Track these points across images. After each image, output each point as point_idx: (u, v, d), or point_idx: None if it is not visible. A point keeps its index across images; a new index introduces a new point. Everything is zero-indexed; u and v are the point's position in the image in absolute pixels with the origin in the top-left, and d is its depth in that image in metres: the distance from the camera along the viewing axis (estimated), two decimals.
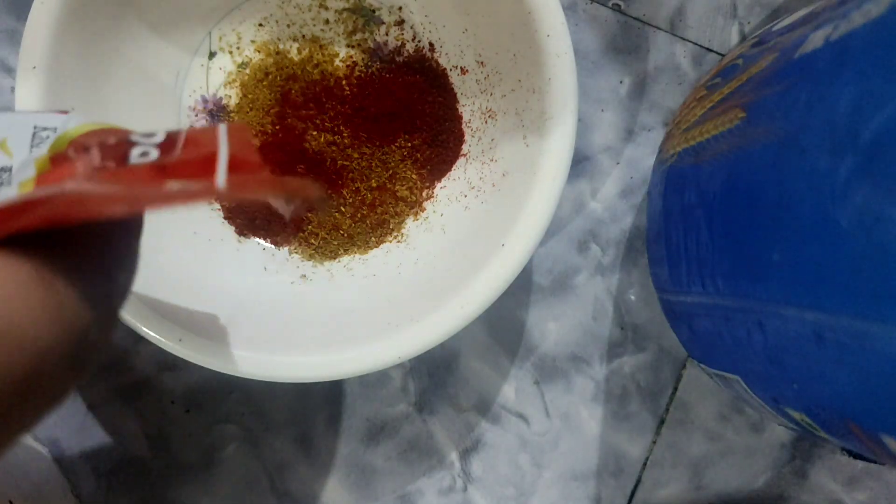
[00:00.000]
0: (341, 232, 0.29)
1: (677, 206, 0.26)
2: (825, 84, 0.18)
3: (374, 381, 0.31)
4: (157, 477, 0.30)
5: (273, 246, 0.29)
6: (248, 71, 0.29)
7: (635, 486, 0.31)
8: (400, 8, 0.29)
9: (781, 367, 0.20)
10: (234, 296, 0.27)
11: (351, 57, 0.29)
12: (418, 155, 0.29)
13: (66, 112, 0.15)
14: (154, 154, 0.13)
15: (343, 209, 0.29)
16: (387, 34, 0.29)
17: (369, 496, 0.31)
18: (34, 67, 0.24)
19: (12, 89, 0.29)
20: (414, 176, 0.29)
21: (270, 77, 0.29)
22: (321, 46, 0.29)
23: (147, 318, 0.24)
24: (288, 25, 0.29)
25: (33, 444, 0.30)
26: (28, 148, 0.14)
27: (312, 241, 0.29)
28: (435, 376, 0.31)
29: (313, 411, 0.31)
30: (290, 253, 0.29)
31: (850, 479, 0.31)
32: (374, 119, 0.29)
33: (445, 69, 0.29)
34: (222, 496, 0.30)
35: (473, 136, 0.29)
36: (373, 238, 0.29)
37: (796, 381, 0.20)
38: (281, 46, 0.29)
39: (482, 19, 0.27)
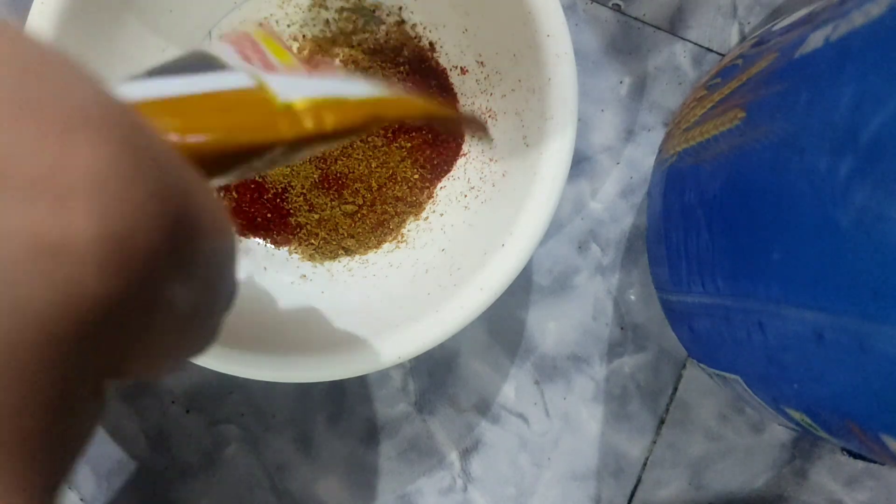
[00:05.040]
0: (341, 232, 0.29)
1: (677, 206, 0.26)
2: (825, 84, 0.18)
3: (374, 381, 0.31)
4: (157, 477, 0.30)
5: (273, 246, 0.29)
6: None
7: (635, 486, 0.31)
8: (400, 8, 0.29)
9: (781, 367, 0.20)
10: None
11: (351, 57, 0.29)
12: (418, 155, 0.29)
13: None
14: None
15: (343, 209, 0.29)
16: (387, 34, 0.29)
17: (369, 496, 0.31)
18: None
19: None
20: (414, 176, 0.29)
21: None
22: (321, 46, 0.29)
23: None
24: (288, 25, 0.29)
25: None
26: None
27: (312, 241, 0.29)
28: (435, 376, 0.31)
29: (313, 411, 0.31)
30: (290, 253, 0.29)
31: (850, 479, 0.31)
32: None
33: (445, 69, 0.29)
34: (222, 496, 0.30)
35: (474, 136, 0.29)
36: (373, 238, 0.29)
37: (796, 381, 0.20)
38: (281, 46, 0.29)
39: (482, 19, 0.27)
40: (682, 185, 0.26)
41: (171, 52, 0.28)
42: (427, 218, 0.29)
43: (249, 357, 0.24)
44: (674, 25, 0.32)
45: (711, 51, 0.32)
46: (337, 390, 0.31)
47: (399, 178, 0.29)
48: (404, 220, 0.29)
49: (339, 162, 0.29)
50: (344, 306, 0.27)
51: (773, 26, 0.26)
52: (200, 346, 0.12)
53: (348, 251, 0.29)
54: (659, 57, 0.32)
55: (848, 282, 0.17)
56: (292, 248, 0.29)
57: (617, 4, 0.32)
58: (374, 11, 0.29)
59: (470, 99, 0.29)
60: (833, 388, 0.18)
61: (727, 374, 0.24)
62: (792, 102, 0.19)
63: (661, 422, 0.31)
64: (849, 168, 0.16)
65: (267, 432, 0.30)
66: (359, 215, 0.29)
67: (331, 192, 0.29)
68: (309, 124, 0.13)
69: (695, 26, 0.32)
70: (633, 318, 0.31)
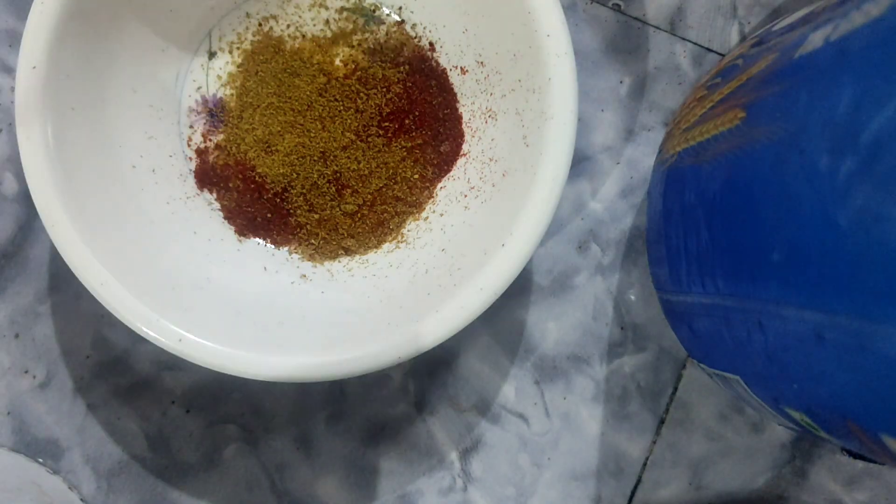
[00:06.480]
0: (341, 232, 0.29)
1: (677, 206, 0.26)
2: (825, 84, 0.18)
3: (374, 381, 0.31)
4: (157, 477, 0.30)
5: (273, 246, 0.29)
6: (248, 71, 0.29)
7: (635, 486, 0.31)
8: (400, 8, 0.29)
9: (781, 367, 0.20)
10: (234, 296, 0.27)
11: (351, 57, 0.29)
12: (418, 155, 0.29)
13: None
14: None
15: (343, 209, 0.29)
16: (387, 34, 0.29)
17: (369, 496, 0.31)
18: (34, 67, 0.24)
19: (12, 89, 0.29)
20: (414, 176, 0.29)
21: (270, 77, 0.29)
22: (321, 46, 0.29)
23: (147, 318, 0.24)
24: (288, 25, 0.29)
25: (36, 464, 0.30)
26: None
27: (312, 241, 0.29)
28: (435, 376, 0.31)
29: (313, 411, 0.31)
30: (290, 253, 0.29)
31: (850, 479, 0.31)
32: (374, 119, 0.29)
33: (445, 69, 0.29)
34: (222, 496, 0.30)
35: (473, 136, 0.29)
36: (373, 238, 0.29)
37: (796, 381, 0.20)
38: (281, 46, 0.29)
39: (482, 19, 0.27)
40: (681, 185, 0.26)
41: (172, 52, 0.28)
42: (427, 218, 0.29)
43: (249, 357, 0.24)
44: (674, 25, 0.32)
45: (711, 51, 0.32)
46: (337, 390, 0.31)
47: (399, 178, 0.29)
48: (404, 220, 0.29)
49: (339, 162, 0.29)
50: (344, 306, 0.27)
51: (773, 26, 0.26)
52: None
53: (348, 251, 0.29)
54: (659, 57, 0.32)
55: (848, 282, 0.17)
56: (292, 248, 0.29)
57: (617, 4, 0.32)
58: (374, 11, 0.29)
59: (470, 99, 0.29)
60: (833, 388, 0.18)
61: (727, 374, 0.24)
62: (792, 102, 0.19)
63: (661, 422, 0.31)
64: (849, 168, 0.16)
65: (267, 432, 0.30)
66: (359, 215, 0.29)
67: (331, 192, 0.29)
68: None
69: (695, 26, 0.32)
70: (633, 318, 0.31)
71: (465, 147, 0.29)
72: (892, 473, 0.31)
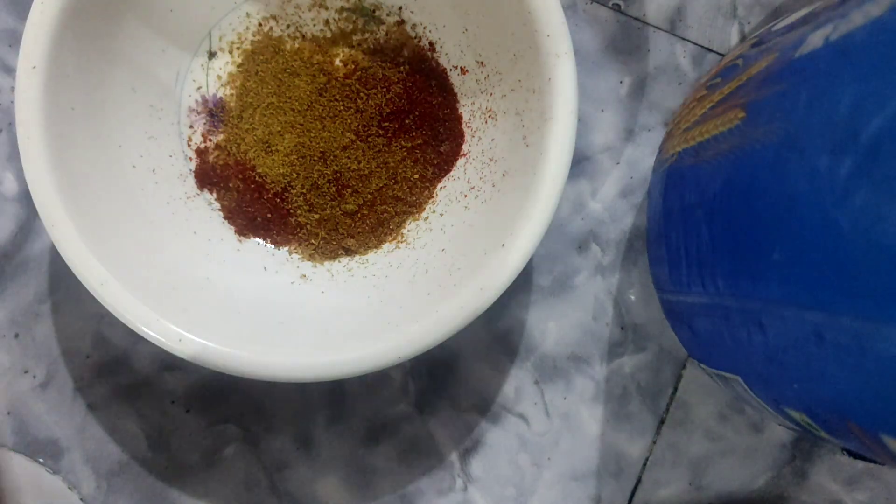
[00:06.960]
0: (341, 232, 0.29)
1: (677, 206, 0.26)
2: (825, 84, 0.18)
3: (374, 381, 0.31)
4: (157, 477, 0.30)
5: (273, 246, 0.29)
6: (248, 71, 0.29)
7: (635, 486, 0.31)
8: (400, 8, 0.29)
9: (781, 367, 0.20)
10: (233, 296, 0.27)
11: (351, 57, 0.29)
12: (418, 155, 0.29)
13: None
14: None
15: (343, 209, 0.29)
16: (387, 34, 0.29)
17: (369, 496, 0.31)
18: (34, 67, 0.24)
19: (12, 89, 0.29)
20: (414, 176, 0.29)
21: (270, 77, 0.29)
22: (321, 46, 0.29)
23: (147, 318, 0.24)
24: (288, 25, 0.29)
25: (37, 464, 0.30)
26: None
27: (312, 241, 0.29)
28: (435, 376, 0.31)
29: (313, 411, 0.31)
30: (290, 253, 0.29)
31: (850, 479, 0.31)
32: (374, 119, 0.29)
33: (445, 69, 0.29)
34: (222, 496, 0.30)
35: (473, 136, 0.29)
36: (373, 238, 0.29)
37: (796, 381, 0.20)
38: (281, 46, 0.29)
39: (482, 19, 0.27)
40: (681, 185, 0.26)
41: (172, 52, 0.28)
42: (427, 218, 0.29)
43: (249, 357, 0.24)
44: (674, 25, 0.32)
45: (711, 51, 0.32)
46: (337, 390, 0.31)
47: (399, 178, 0.29)
48: (404, 220, 0.29)
49: (339, 162, 0.29)
50: (344, 306, 0.27)
51: (773, 26, 0.26)
52: None
53: (348, 251, 0.29)
54: (659, 57, 0.32)
55: (848, 282, 0.17)
56: (292, 248, 0.29)
57: (617, 4, 0.32)
58: (374, 11, 0.29)
59: (470, 99, 0.29)
60: (833, 388, 0.18)
61: (727, 374, 0.24)
62: (792, 102, 0.19)
63: (661, 422, 0.31)
64: (849, 168, 0.16)
65: (267, 432, 0.30)
66: (359, 215, 0.29)
67: (331, 191, 0.29)
68: None
69: (695, 26, 0.32)
70: (633, 318, 0.31)
71: (465, 147, 0.29)
72: (892, 473, 0.31)
